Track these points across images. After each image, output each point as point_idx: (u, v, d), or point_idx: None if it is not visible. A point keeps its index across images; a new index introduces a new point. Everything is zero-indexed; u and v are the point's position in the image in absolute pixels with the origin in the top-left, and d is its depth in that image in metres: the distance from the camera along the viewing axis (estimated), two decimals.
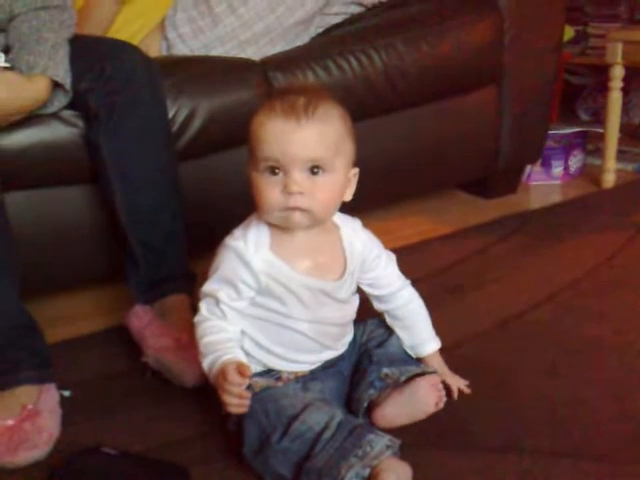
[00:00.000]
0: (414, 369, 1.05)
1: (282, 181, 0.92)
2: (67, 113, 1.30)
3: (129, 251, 1.34)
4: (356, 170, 1.01)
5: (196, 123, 1.42)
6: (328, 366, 1.07)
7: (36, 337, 1.18)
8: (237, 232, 1.00)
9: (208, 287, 1.00)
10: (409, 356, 1.12)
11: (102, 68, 1.25)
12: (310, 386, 1.02)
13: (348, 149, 0.97)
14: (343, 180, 0.97)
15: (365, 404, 1.03)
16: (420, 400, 1.02)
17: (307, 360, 1.04)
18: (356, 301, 1.08)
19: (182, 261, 1.37)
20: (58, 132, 1.30)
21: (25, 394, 1.11)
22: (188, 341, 1.21)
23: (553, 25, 1.93)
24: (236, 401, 0.91)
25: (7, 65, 1.18)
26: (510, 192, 2.07)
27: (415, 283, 1.49)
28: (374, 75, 1.62)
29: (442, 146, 1.81)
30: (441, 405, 1.03)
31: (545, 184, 2.14)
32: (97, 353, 1.35)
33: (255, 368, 1.01)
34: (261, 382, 1.01)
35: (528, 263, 1.59)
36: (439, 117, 1.78)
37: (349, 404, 1.07)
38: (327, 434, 0.91)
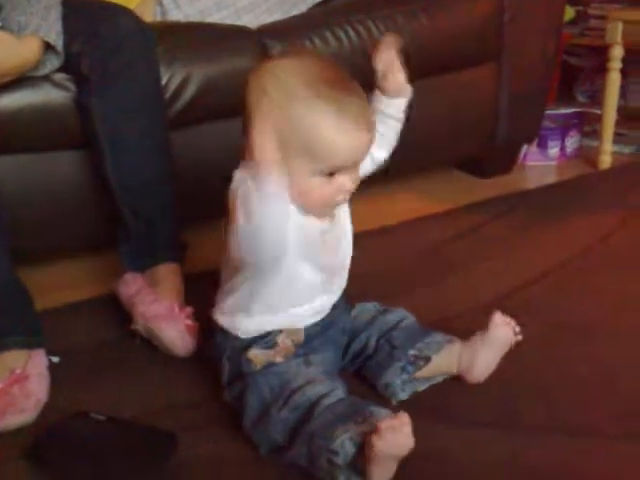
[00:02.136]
0: (439, 339, 1.07)
1: (334, 181, 0.91)
2: (59, 76, 1.28)
3: (120, 218, 1.32)
4: None
5: (190, 90, 1.40)
6: (320, 331, 1.05)
7: (26, 303, 1.17)
8: (262, 176, 0.85)
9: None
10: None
11: (95, 31, 1.23)
12: (312, 359, 1.01)
13: None
14: None
15: (399, 389, 1.04)
16: (502, 338, 1.05)
17: (309, 311, 1.02)
18: (350, 243, 1.07)
19: (174, 230, 1.36)
20: (50, 95, 1.28)
21: (13, 359, 1.10)
22: (180, 310, 1.21)
23: (554, 4, 1.91)
24: None
25: None
26: (506, 172, 2.06)
27: (407, 260, 1.51)
28: (372, 47, 1.59)
29: (438, 123, 1.79)
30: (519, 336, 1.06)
31: (541, 164, 2.13)
32: (88, 320, 1.34)
33: (252, 330, 1.00)
34: (260, 356, 0.99)
35: (521, 242, 1.58)
36: (436, 93, 1.76)
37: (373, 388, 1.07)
38: (327, 401, 0.91)
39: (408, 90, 1.06)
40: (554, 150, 2.13)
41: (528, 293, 1.35)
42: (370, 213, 1.63)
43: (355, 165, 0.92)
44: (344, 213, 1.06)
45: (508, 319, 1.06)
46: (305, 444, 0.88)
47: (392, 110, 1.07)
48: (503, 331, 1.05)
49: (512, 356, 1.14)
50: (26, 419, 1.03)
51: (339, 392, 0.94)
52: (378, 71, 1.04)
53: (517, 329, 1.06)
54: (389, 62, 1.04)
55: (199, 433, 1.00)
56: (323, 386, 0.94)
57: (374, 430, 0.82)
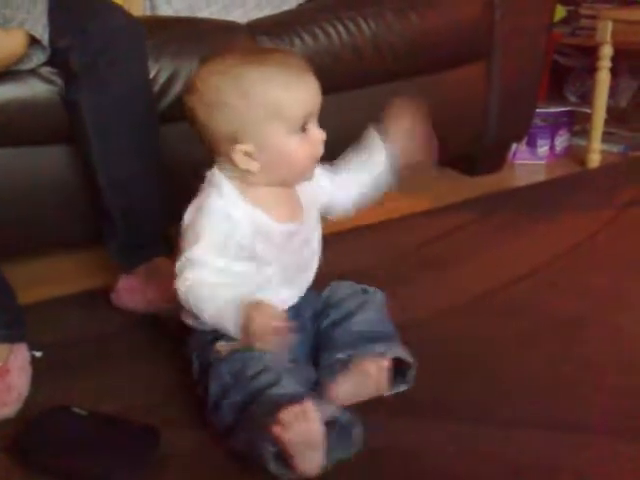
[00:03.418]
0: (371, 349, 1.02)
1: (305, 137, 0.96)
2: (45, 70, 1.27)
3: (107, 215, 1.32)
4: None
5: (178, 86, 1.39)
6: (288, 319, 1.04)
7: (7, 297, 1.16)
8: (207, 192, 0.98)
9: (195, 254, 0.96)
10: (376, 329, 1.07)
11: (83, 26, 1.22)
12: None
13: None
14: None
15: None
16: (366, 382, 0.99)
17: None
18: (317, 243, 1.08)
19: (163, 225, 1.35)
20: (36, 89, 1.27)
21: None
22: None
23: (544, 3, 1.91)
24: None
25: None
26: (495, 170, 2.06)
27: (392, 258, 1.51)
28: (362, 44, 1.60)
29: (428, 120, 1.78)
30: (384, 390, 1.00)
31: (530, 163, 2.14)
32: (71, 315, 1.33)
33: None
34: (227, 347, 0.99)
35: (509, 240, 1.59)
36: (426, 91, 1.75)
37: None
38: (274, 390, 0.90)
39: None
40: (543, 149, 2.13)
41: (515, 290, 1.35)
42: (368, 209, 1.63)
43: (316, 110, 0.96)
44: (314, 214, 1.06)
45: (383, 369, 0.99)
46: (243, 429, 0.89)
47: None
48: (370, 377, 1.00)
49: (499, 353, 1.16)
50: (7, 413, 1.03)
51: (291, 382, 0.92)
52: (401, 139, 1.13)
53: (383, 385, 1.00)
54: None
55: (180, 427, 1.00)
56: (275, 375, 0.92)
57: (276, 421, 0.82)
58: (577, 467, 0.90)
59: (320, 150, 0.98)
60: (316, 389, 0.99)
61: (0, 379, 1.05)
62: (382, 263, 1.50)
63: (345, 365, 1.00)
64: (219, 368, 0.97)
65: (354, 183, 1.11)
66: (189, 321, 1.05)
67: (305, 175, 1.01)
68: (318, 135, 0.97)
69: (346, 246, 1.49)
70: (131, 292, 1.31)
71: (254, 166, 0.96)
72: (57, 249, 1.57)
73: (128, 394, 1.09)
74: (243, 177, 0.98)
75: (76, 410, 1.00)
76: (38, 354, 1.18)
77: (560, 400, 1.03)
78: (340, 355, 1.02)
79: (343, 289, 1.12)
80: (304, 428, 0.82)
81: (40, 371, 1.13)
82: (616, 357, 1.14)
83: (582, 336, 1.20)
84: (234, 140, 0.95)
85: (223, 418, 0.93)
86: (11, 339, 1.12)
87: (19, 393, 1.06)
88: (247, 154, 0.96)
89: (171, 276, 1.23)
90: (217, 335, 1.00)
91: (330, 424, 0.88)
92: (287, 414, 0.82)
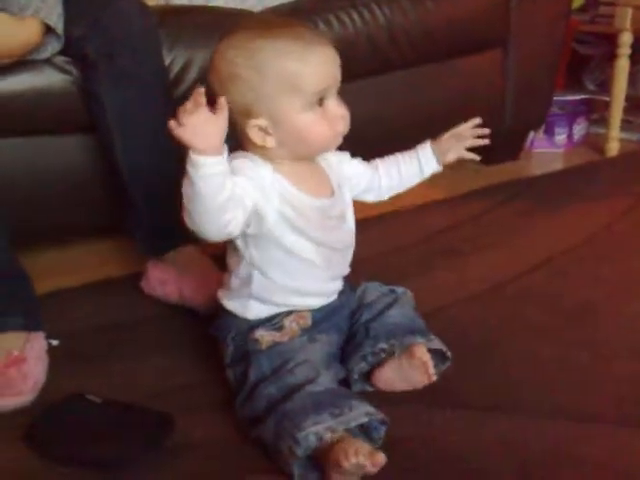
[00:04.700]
0: (412, 340, 1.02)
1: (323, 111, 0.93)
2: (60, 59, 1.27)
3: (132, 205, 1.32)
4: None
5: (192, 74, 1.39)
6: (327, 316, 1.05)
7: (25, 286, 1.17)
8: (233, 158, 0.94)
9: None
10: (412, 323, 1.08)
11: (97, 16, 1.22)
12: (317, 337, 1.01)
13: None
14: None
15: (356, 376, 1.02)
16: (417, 368, 0.99)
17: (312, 291, 1.03)
18: (352, 221, 1.07)
19: None
20: (51, 78, 1.28)
21: (11, 340, 1.10)
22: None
23: None
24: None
25: None
26: (512, 158, 2.04)
27: (408, 247, 1.50)
28: (377, 32, 1.58)
29: (443, 108, 1.77)
30: (433, 377, 1.00)
31: (548, 151, 2.12)
32: (89, 304, 1.33)
33: (259, 312, 1.01)
34: (267, 337, 1.00)
35: (525, 228, 1.57)
36: (441, 78, 1.75)
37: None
38: (311, 387, 0.91)
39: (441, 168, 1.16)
40: (561, 137, 2.11)
41: (530, 280, 1.34)
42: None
43: (335, 85, 0.94)
44: (346, 192, 1.06)
45: (426, 358, 0.99)
46: (274, 422, 0.88)
47: (426, 175, 1.16)
48: (417, 372, 1.00)
49: (512, 341, 1.15)
50: (23, 401, 1.04)
51: (327, 380, 0.93)
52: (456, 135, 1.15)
53: (432, 371, 0.99)
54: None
55: (196, 416, 1.00)
56: (314, 370, 0.94)
57: (343, 451, 0.82)
58: (589, 456, 0.90)
59: (341, 126, 0.95)
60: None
61: (16, 368, 1.06)
62: (398, 251, 1.50)
63: (391, 353, 1.01)
64: (259, 359, 0.98)
65: (391, 176, 1.13)
66: (232, 305, 1.04)
67: (327, 149, 1.00)
68: (335, 110, 0.94)
69: (363, 234, 1.48)
70: (163, 283, 1.31)
71: (270, 141, 0.94)
72: (74, 238, 1.58)
73: (145, 382, 1.09)
74: (264, 153, 0.96)
75: (91, 398, 1.01)
76: (55, 342, 1.19)
77: (572, 388, 1.03)
78: (383, 345, 1.02)
79: (373, 290, 1.12)
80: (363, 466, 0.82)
81: (57, 359, 1.14)
82: (629, 345, 1.13)
83: (595, 325, 1.19)
84: (249, 114, 0.93)
85: (256, 407, 0.94)
86: (28, 328, 1.13)
87: (35, 382, 1.06)
88: (262, 129, 0.94)
89: (205, 271, 1.26)
90: (255, 323, 1.01)
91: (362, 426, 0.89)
92: (353, 453, 0.82)
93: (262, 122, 0.93)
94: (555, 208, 1.67)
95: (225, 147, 0.87)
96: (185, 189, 0.87)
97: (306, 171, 1.00)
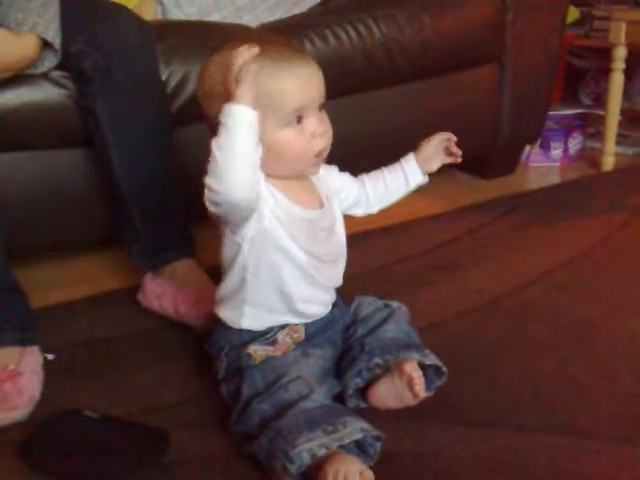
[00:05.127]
0: (407, 355, 1.02)
1: (302, 128, 0.94)
2: (57, 74, 1.28)
3: (128, 218, 1.31)
4: None
5: (189, 89, 1.39)
6: (320, 330, 1.05)
7: (20, 300, 1.17)
8: None
9: None
10: (408, 338, 1.08)
11: (95, 31, 1.22)
12: (310, 352, 1.01)
13: None
14: None
15: (350, 392, 1.02)
16: (406, 387, 0.98)
17: (304, 297, 1.02)
18: (342, 234, 1.07)
19: (183, 226, 1.36)
20: (48, 93, 1.28)
21: (7, 355, 1.09)
22: None
23: (557, 4, 1.90)
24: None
25: None
26: (508, 173, 2.05)
27: (406, 260, 1.51)
28: (372, 47, 1.59)
29: (439, 123, 1.76)
30: (422, 395, 0.98)
31: (544, 165, 2.13)
32: (86, 318, 1.33)
33: (253, 322, 1.01)
34: (260, 351, 1.00)
35: (522, 242, 1.58)
36: (437, 93, 1.76)
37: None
38: (304, 404, 0.90)
39: (427, 179, 1.15)
40: (557, 151, 2.12)
41: (528, 294, 1.34)
42: (384, 210, 1.62)
43: (315, 103, 0.94)
44: (335, 205, 1.06)
45: (415, 375, 0.97)
46: (267, 440, 0.88)
47: (412, 186, 1.14)
48: (408, 390, 0.98)
49: (510, 356, 1.15)
50: (18, 416, 1.03)
51: (321, 395, 0.93)
52: (438, 146, 1.12)
53: (418, 389, 0.97)
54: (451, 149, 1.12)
55: (191, 432, 0.99)
56: (307, 386, 0.93)
57: (333, 473, 0.82)
58: (587, 474, 0.89)
59: (319, 144, 0.95)
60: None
61: (11, 382, 1.06)
62: (396, 265, 1.49)
63: (386, 369, 1.01)
64: (252, 374, 0.98)
65: (378, 189, 1.13)
66: (226, 314, 1.03)
67: (306, 169, 0.99)
68: (313, 127, 0.94)
69: (360, 248, 1.49)
70: (159, 298, 1.31)
71: (274, 154, 0.94)
72: (72, 252, 1.58)
73: (141, 397, 1.09)
74: None
75: (87, 413, 1.00)
76: (50, 356, 1.18)
77: (570, 405, 1.02)
78: (378, 360, 1.01)
79: (367, 305, 1.12)
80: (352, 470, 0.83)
81: (53, 374, 1.14)
82: (628, 361, 1.13)
83: (593, 340, 1.19)
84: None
85: (249, 422, 0.93)
86: (23, 342, 1.12)
87: (30, 396, 1.06)
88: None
89: (201, 286, 1.26)
90: (249, 337, 1.01)
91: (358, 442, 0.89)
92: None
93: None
94: (552, 222, 1.67)
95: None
96: (220, 143, 0.85)
97: (295, 183, 1.00)
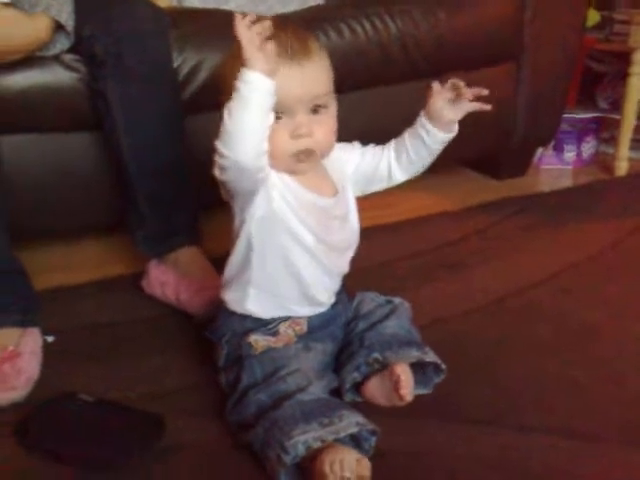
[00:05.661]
0: (407, 352, 1.01)
1: (286, 125, 0.92)
2: (69, 57, 1.27)
3: (135, 204, 1.31)
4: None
5: (201, 76, 1.39)
6: (323, 324, 1.05)
7: (22, 281, 1.17)
8: None
9: None
10: (408, 335, 1.07)
11: (108, 16, 1.22)
12: (312, 345, 1.01)
13: (332, 82, 0.98)
14: (335, 114, 0.98)
15: (348, 386, 1.01)
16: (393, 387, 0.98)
17: (309, 281, 1.01)
18: (356, 222, 1.06)
19: (190, 214, 1.36)
20: (59, 76, 1.27)
21: (7, 336, 1.10)
22: None
23: (577, 5, 1.88)
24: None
25: (7, 1, 1.15)
26: (520, 174, 2.03)
27: (411, 257, 1.50)
28: (388, 41, 1.58)
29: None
30: (407, 398, 0.96)
31: (556, 168, 2.10)
32: (89, 302, 1.34)
33: (256, 307, 1.01)
34: (261, 342, 0.99)
35: (530, 244, 1.56)
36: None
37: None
38: (302, 396, 0.90)
39: (455, 129, 1.04)
40: (570, 154, 2.10)
41: (533, 295, 1.33)
42: (380, 208, 1.62)
43: (299, 104, 0.92)
44: (350, 193, 1.05)
45: (404, 377, 0.96)
46: (263, 429, 0.88)
47: (435, 144, 1.04)
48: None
49: (511, 357, 1.14)
50: (16, 397, 1.03)
51: (318, 389, 0.93)
52: (443, 96, 1.01)
53: (405, 392, 0.95)
54: (462, 94, 1.00)
55: (189, 419, 0.99)
56: (305, 379, 0.93)
57: (329, 461, 0.82)
58: (589, 475, 0.88)
59: (300, 144, 0.93)
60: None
61: (10, 363, 1.06)
62: (402, 261, 1.49)
63: (383, 365, 1.00)
64: (251, 364, 0.98)
65: (391, 153, 1.06)
66: (231, 296, 1.03)
67: (289, 166, 0.96)
68: (299, 124, 0.92)
69: (368, 243, 1.47)
70: (162, 285, 1.31)
71: None
72: (79, 235, 1.58)
73: (140, 383, 1.09)
74: None
75: (83, 397, 1.01)
76: (50, 339, 1.19)
77: (571, 407, 1.01)
78: (377, 355, 1.01)
79: (369, 301, 1.11)
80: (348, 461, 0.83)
81: (53, 355, 1.14)
82: (634, 366, 1.11)
83: (598, 344, 1.17)
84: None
85: (245, 412, 0.93)
86: (23, 323, 1.13)
87: (28, 377, 1.06)
88: None
89: (204, 275, 1.26)
90: (251, 326, 1.01)
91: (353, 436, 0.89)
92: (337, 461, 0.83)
93: None
94: (561, 225, 1.65)
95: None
96: (232, 108, 0.85)
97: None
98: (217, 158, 0.89)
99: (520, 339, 1.19)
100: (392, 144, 1.07)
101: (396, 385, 0.95)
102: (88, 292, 1.37)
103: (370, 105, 1.63)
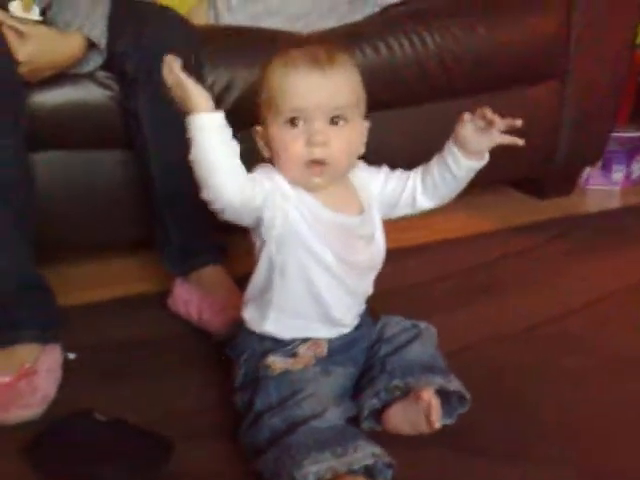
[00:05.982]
0: (430, 379, 0.97)
1: (303, 133, 0.92)
2: (101, 75, 1.29)
3: (162, 222, 1.32)
4: (368, 123, 1.00)
5: (233, 95, 1.38)
6: (344, 347, 1.03)
7: (43, 297, 1.17)
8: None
9: None
10: (432, 360, 1.03)
11: (139, 32, 1.23)
12: (332, 369, 0.99)
13: (363, 99, 0.98)
14: (360, 131, 0.97)
15: (366, 413, 0.98)
16: (422, 413, 0.93)
17: (330, 303, 0.99)
18: (382, 242, 1.03)
19: (216, 233, 1.35)
20: (91, 93, 1.29)
21: (25, 352, 1.10)
22: None
23: (626, 21, 1.81)
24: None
25: (40, 19, 1.17)
26: (565, 194, 1.96)
27: (446, 279, 1.46)
28: (426, 58, 1.54)
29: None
30: (436, 425, 0.93)
31: (603, 189, 2.02)
32: (114, 320, 1.33)
33: (275, 328, 1.00)
34: (279, 363, 0.98)
35: (570, 268, 1.50)
36: (494, 109, 1.68)
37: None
38: (316, 422, 0.88)
39: (486, 158, 1.00)
40: (618, 174, 2.01)
41: (568, 323, 1.28)
42: (416, 229, 1.58)
43: (318, 112, 0.91)
44: (376, 212, 1.03)
45: (434, 404, 0.92)
46: (274, 456, 0.86)
47: (461, 171, 1.00)
48: (423, 417, 0.93)
49: (543, 388, 1.10)
50: (31, 414, 1.03)
51: (335, 416, 0.90)
52: (474, 124, 0.97)
53: (435, 418, 0.92)
54: (493, 122, 0.95)
55: (199, 442, 0.98)
56: (321, 405, 0.90)
57: None
58: None
59: (312, 152, 0.92)
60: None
61: (26, 380, 1.06)
62: (435, 284, 1.45)
63: (405, 393, 0.97)
64: (268, 386, 0.96)
65: (417, 177, 1.03)
66: (250, 315, 1.02)
67: (303, 177, 0.94)
68: (313, 133, 0.91)
69: (401, 264, 1.45)
70: (186, 304, 1.31)
71: (267, 152, 0.97)
72: (109, 252, 1.58)
73: (155, 404, 1.08)
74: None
75: (97, 416, 1.00)
76: (72, 356, 1.19)
77: (602, 445, 0.97)
78: (398, 382, 0.98)
79: (394, 324, 1.08)
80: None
81: (72, 373, 1.14)
82: None
83: (632, 378, 1.12)
84: (257, 119, 0.97)
85: (258, 436, 0.91)
86: (44, 340, 1.13)
87: (44, 395, 1.06)
88: (259, 134, 0.97)
89: (227, 294, 1.25)
90: (270, 346, 0.99)
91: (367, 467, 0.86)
92: None
93: (259, 128, 0.97)
94: (605, 249, 1.58)
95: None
96: (192, 154, 0.89)
97: (330, 187, 0.97)
98: (209, 205, 0.91)
99: (552, 369, 1.14)
100: (420, 169, 1.04)
101: (427, 411, 0.92)
102: (113, 309, 1.37)
103: (407, 124, 1.60)
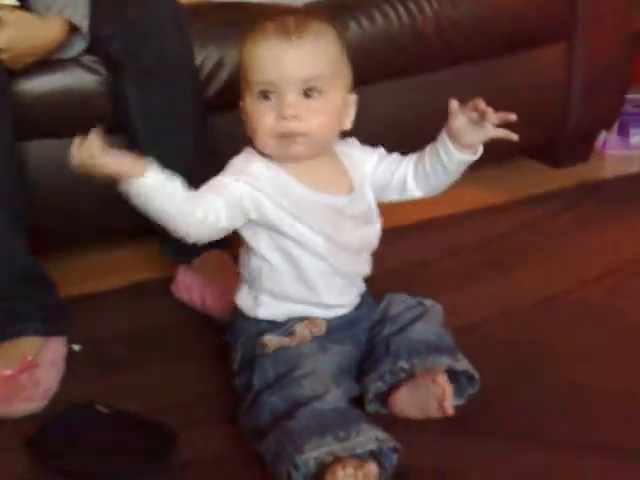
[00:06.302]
0: (436, 360, 0.95)
1: (275, 106, 0.90)
2: (88, 59, 1.25)
3: None
4: (355, 97, 0.97)
5: (223, 74, 1.34)
6: (344, 326, 1.00)
7: (46, 289, 1.16)
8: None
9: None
10: (438, 339, 1.00)
11: (124, 14, 1.20)
12: (329, 347, 0.97)
13: (343, 71, 0.94)
14: (340, 104, 0.94)
15: (371, 396, 0.96)
16: (435, 397, 0.91)
17: (321, 286, 0.97)
18: (374, 226, 1.01)
19: None
20: (79, 78, 1.25)
21: (28, 345, 1.09)
22: None
23: None
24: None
25: (17, 4, 1.14)
26: (581, 160, 1.89)
27: (453, 256, 1.41)
28: (423, 25, 1.49)
29: (500, 108, 1.65)
30: (450, 411, 0.90)
31: (622, 154, 1.95)
32: (118, 309, 1.32)
33: (270, 312, 0.98)
34: (274, 341, 0.96)
35: (583, 239, 1.45)
36: (498, 75, 1.63)
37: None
38: (318, 404, 0.85)
39: (479, 152, 0.96)
40: (637, 138, 1.95)
41: (580, 295, 1.24)
42: (435, 201, 1.53)
43: (287, 84, 0.89)
44: (369, 192, 0.99)
45: (448, 389, 0.90)
46: (275, 440, 0.84)
47: (452, 165, 0.96)
48: (434, 401, 0.91)
49: (558, 363, 1.07)
50: (33, 407, 1.02)
51: (336, 397, 0.88)
52: (466, 116, 0.91)
53: (448, 404, 0.90)
54: (486, 114, 0.90)
55: (201, 431, 0.97)
56: (322, 385, 0.88)
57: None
58: None
59: (284, 125, 0.89)
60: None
61: (28, 373, 1.05)
62: (442, 261, 1.41)
63: (411, 375, 0.94)
64: (264, 364, 0.94)
65: (410, 164, 0.99)
66: (243, 302, 1.01)
67: (276, 150, 0.92)
68: (284, 106, 0.89)
69: (405, 242, 1.41)
70: (189, 289, 1.29)
71: (249, 126, 0.95)
72: (109, 242, 1.56)
73: (157, 393, 1.06)
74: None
75: (99, 408, 0.99)
76: (77, 347, 1.17)
77: (618, 423, 0.94)
78: (403, 364, 0.95)
79: (399, 303, 1.05)
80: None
81: (77, 365, 1.13)
82: None
83: None
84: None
85: (258, 416, 0.90)
86: (46, 332, 1.11)
87: (46, 389, 1.05)
88: (242, 111, 0.96)
89: (229, 278, 1.20)
90: (267, 327, 0.98)
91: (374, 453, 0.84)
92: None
93: (242, 104, 0.96)
94: (620, 217, 1.53)
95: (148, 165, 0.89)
96: (150, 213, 0.91)
97: (316, 166, 0.95)
98: None
99: (564, 344, 1.11)
100: (414, 156, 1.00)
101: (441, 397, 0.89)
102: (117, 299, 1.35)
103: (405, 95, 1.55)
